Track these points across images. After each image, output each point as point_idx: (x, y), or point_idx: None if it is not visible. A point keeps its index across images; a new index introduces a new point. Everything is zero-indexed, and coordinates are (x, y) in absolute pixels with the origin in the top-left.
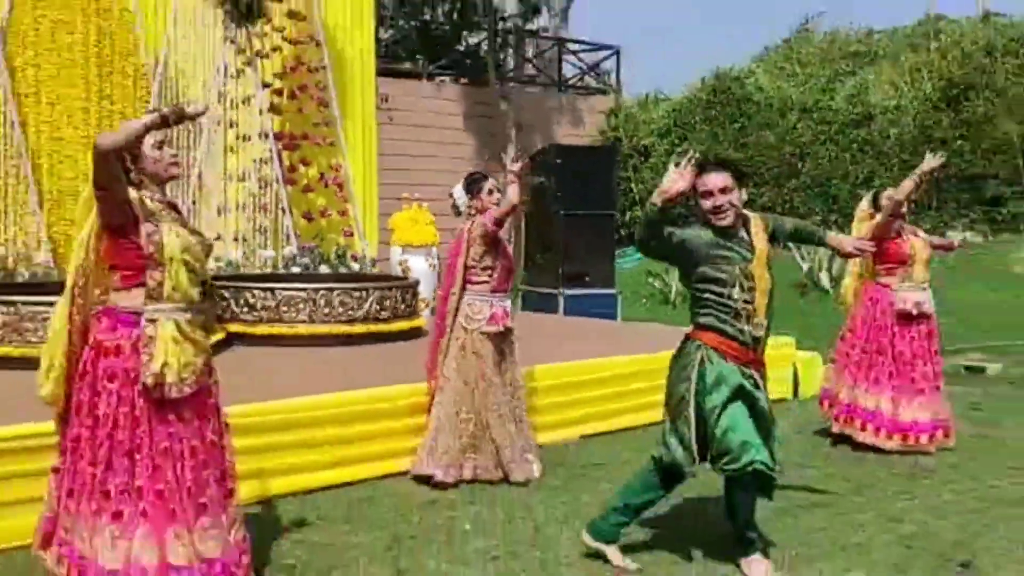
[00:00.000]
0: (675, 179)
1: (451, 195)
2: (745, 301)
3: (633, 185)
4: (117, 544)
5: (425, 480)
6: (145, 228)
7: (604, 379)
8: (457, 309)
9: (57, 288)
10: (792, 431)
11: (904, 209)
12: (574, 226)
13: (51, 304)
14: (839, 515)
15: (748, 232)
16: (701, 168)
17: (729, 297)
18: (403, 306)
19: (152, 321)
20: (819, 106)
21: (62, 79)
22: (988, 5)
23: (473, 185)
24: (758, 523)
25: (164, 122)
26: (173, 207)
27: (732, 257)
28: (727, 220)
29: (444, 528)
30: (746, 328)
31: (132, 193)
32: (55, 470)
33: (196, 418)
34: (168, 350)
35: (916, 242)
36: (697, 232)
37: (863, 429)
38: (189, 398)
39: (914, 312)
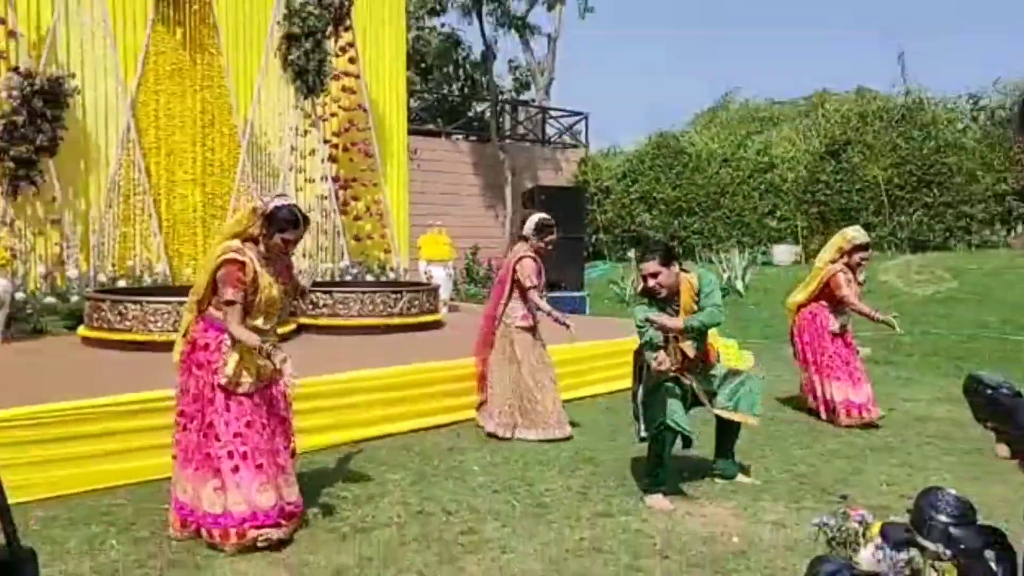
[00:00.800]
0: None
1: (523, 221)
2: (675, 337)
3: (597, 215)
4: (217, 495)
5: (490, 435)
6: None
7: (578, 358)
8: (503, 313)
9: (171, 291)
10: None
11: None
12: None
13: (167, 302)
14: (752, 460)
15: (679, 296)
16: (641, 255)
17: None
18: (427, 305)
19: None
20: (735, 157)
21: (175, 136)
22: (860, 82)
23: (544, 229)
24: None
25: (261, 352)
26: (273, 258)
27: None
28: (661, 295)
29: (457, 469)
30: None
31: (248, 254)
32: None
33: (265, 402)
34: (238, 358)
35: (851, 297)
36: (645, 310)
37: (833, 412)
38: (254, 393)
39: (839, 331)
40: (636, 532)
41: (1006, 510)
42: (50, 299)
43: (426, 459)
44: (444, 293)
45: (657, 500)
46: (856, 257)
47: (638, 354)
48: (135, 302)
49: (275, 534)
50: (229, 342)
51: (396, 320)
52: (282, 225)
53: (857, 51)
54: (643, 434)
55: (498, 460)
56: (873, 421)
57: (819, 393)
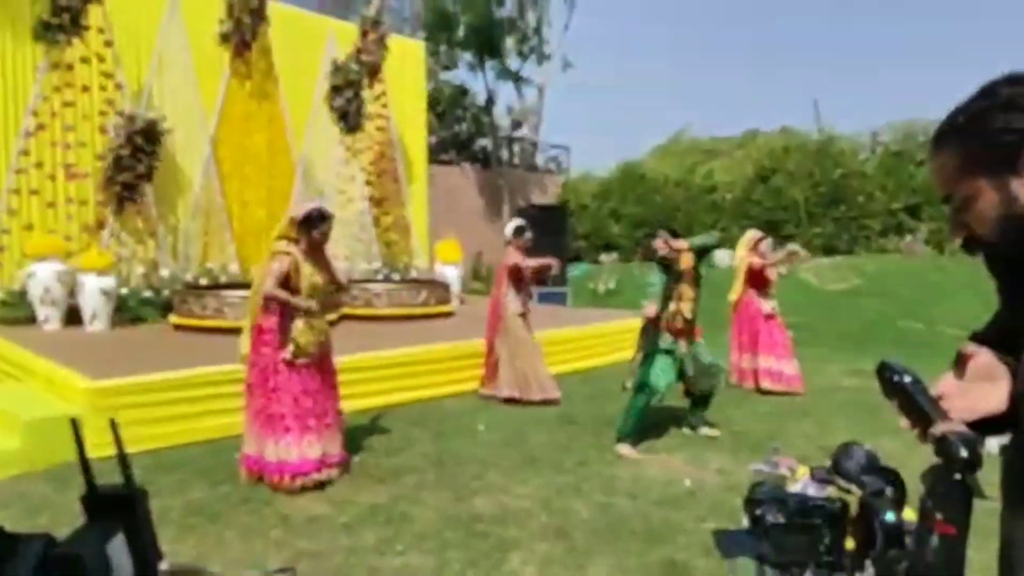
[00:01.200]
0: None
1: (507, 229)
2: (679, 298)
3: (577, 227)
4: (276, 448)
5: (500, 400)
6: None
7: (563, 339)
8: (503, 304)
9: (242, 287)
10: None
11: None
12: (541, 250)
13: (238, 296)
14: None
15: (679, 261)
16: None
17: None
18: (441, 297)
19: (291, 317)
20: (685, 181)
21: (245, 166)
22: (784, 122)
23: (519, 229)
24: (647, 428)
25: (298, 309)
26: (316, 252)
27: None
28: (667, 258)
29: (467, 428)
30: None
31: (294, 252)
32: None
33: (319, 371)
34: (298, 335)
35: (772, 272)
36: (657, 276)
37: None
38: (315, 360)
39: (771, 313)
40: (608, 477)
41: (898, 459)
42: (147, 294)
43: (442, 420)
44: (455, 289)
45: (625, 448)
46: (760, 247)
47: (644, 329)
48: (213, 296)
49: (320, 477)
50: (287, 323)
51: (417, 310)
52: (315, 223)
53: (782, 97)
54: (627, 385)
55: (499, 421)
56: (797, 391)
57: (752, 366)
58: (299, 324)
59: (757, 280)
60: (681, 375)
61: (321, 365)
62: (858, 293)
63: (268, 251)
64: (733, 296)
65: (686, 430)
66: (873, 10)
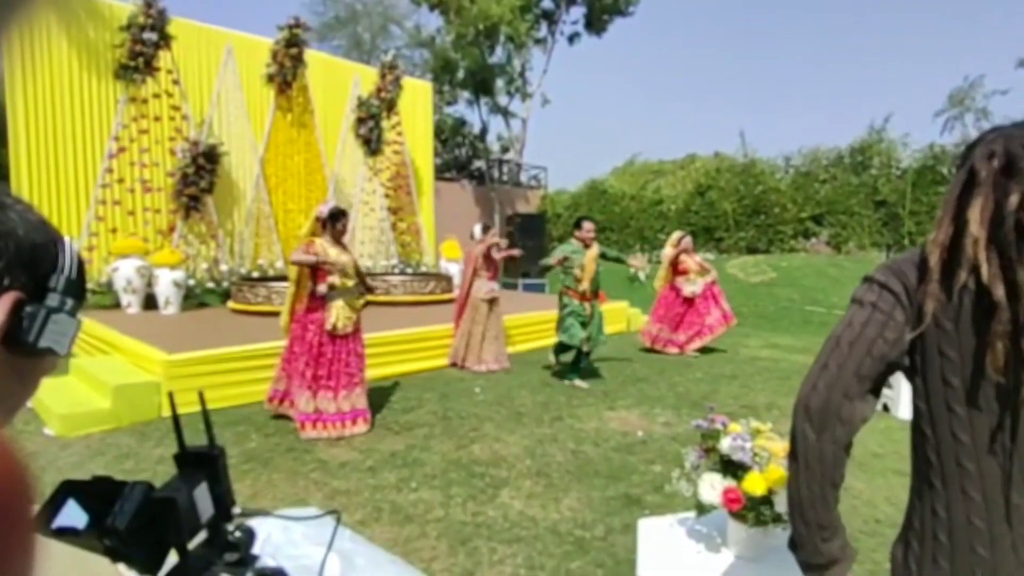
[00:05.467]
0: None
1: (473, 230)
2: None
3: (553, 231)
4: (311, 401)
5: (458, 367)
6: (328, 258)
7: (524, 323)
8: (471, 287)
9: (286, 279)
10: (627, 345)
11: (682, 249)
12: (525, 248)
13: (284, 286)
14: (645, 382)
15: (592, 246)
16: (583, 219)
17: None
18: (445, 287)
19: (332, 299)
20: (639, 196)
21: (287, 182)
22: (717, 147)
23: (486, 229)
24: (603, 380)
25: (308, 266)
26: (339, 241)
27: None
28: (588, 242)
29: (466, 391)
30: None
31: (319, 241)
32: (284, 365)
33: (351, 342)
34: (338, 313)
35: (690, 262)
36: (573, 248)
37: (667, 346)
38: (348, 334)
39: (690, 296)
40: (578, 429)
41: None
42: (210, 284)
43: (446, 385)
44: (457, 280)
45: (577, 381)
46: (682, 244)
47: (560, 295)
48: (263, 286)
49: (356, 429)
50: (330, 303)
51: (426, 297)
52: (337, 217)
53: (715, 128)
54: (560, 338)
55: (491, 385)
56: (688, 354)
57: (667, 337)
58: (339, 303)
59: (679, 272)
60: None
61: (354, 337)
62: (773, 284)
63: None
64: (659, 284)
65: (631, 396)
66: (787, 54)
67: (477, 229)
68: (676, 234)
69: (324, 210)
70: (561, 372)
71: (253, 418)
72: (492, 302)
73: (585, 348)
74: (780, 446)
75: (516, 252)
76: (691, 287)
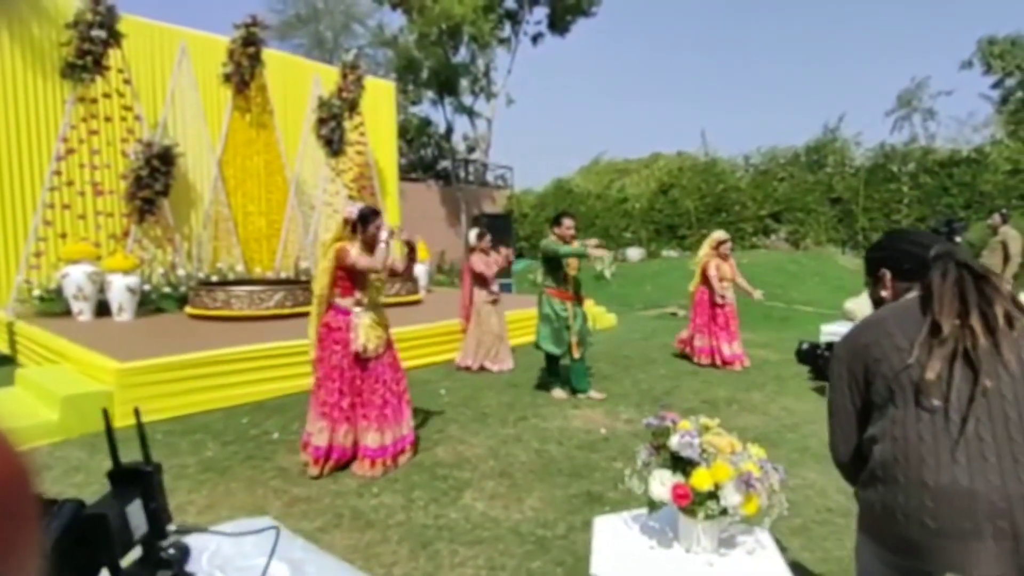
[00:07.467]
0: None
1: (468, 236)
2: (570, 264)
3: (519, 231)
4: (348, 435)
5: (464, 368)
6: (358, 268)
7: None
8: (473, 290)
9: (245, 283)
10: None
11: (727, 250)
12: (493, 248)
13: (243, 290)
14: (609, 379)
15: (573, 242)
16: (563, 215)
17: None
18: (412, 289)
19: (358, 315)
20: (604, 195)
21: (247, 183)
22: (679, 147)
23: (481, 236)
24: (566, 379)
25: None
26: (371, 248)
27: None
28: (568, 238)
29: (431, 392)
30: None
31: (353, 250)
32: (318, 406)
33: (384, 367)
34: (365, 332)
35: (725, 267)
36: (558, 245)
37: (700, 355)
38: (380, 356)
39: (721, 302)
40: (542, 429)
41: (761, 408)
42: (166, 289)
43: (413, 386)
44: (423, 282)
45: (556, 392)
46: (722, 248)
47: (539, 300)
48: (222, 290)
49: (400, 461)
50: (355, 320)
51: (392, 299)
52: (370, 218)
53: (677, 127)
54: (538, 344)
55: (457, 387)
56: (746, 367)
57: (705, 346)
58: (365, 321)
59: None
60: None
61: (386, 362)
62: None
63: (326, 256)
64: (692, 287)
65: (594, 396)
66: (746, 55)
67: (472, 234)
68: (716, 234)
69: (353, 211)
70: (547, 383)
71: (211, 426)
72: (494, 303)
73: (577, 355)
74: (726, 441)
75: (506, 261)
76: (721, 294)
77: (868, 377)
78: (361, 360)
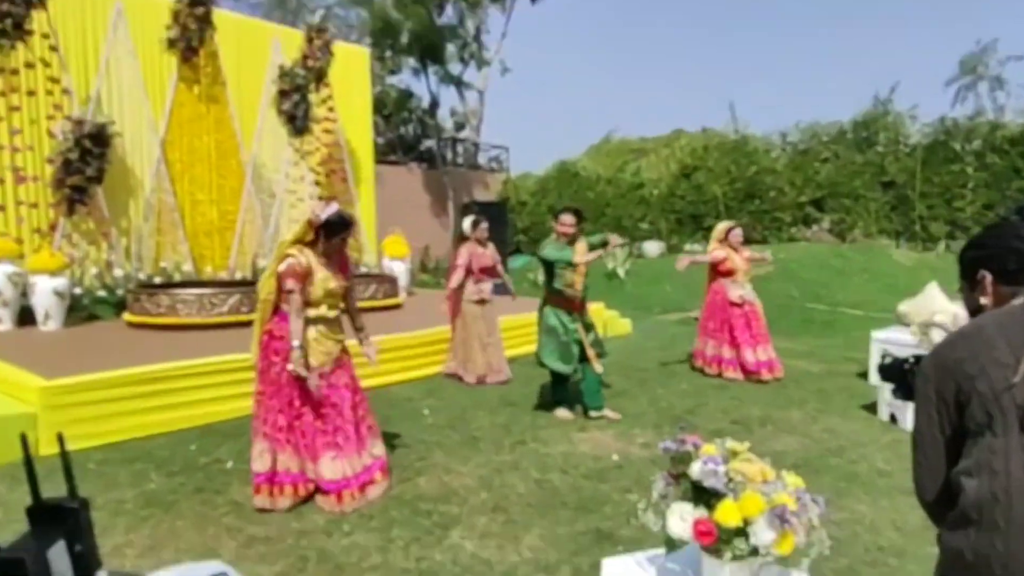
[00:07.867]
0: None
1: (463, 224)
2: (574, 269)
3: (517, 222)
4: (293, 459)
5: (453, 377)
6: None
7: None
8: (462, 289)
9: (194, 285)
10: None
11: (738, 240)
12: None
13: (191, 294)
14: (623, 396)
15: (577, 242)
16: (563, 210)
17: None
18: (389, 291)
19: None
20: (616, 178)
21: (195, 167)
22: (705, 123)
23: (476, 224)
24: (574, 397)
25: (293, 359)
26: (331, 256)
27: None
28: (570, 237)
29: (412, 413)
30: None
31: (306, 254)
32: (259, 425)
33: (336, 389)
34: (312, 347)
35: (738, 259)
36: (556, 246)
37: (721, 366)
38: (333, 370)
39: (739, 301)
40: (544, 455)
41: (801, 429)
42: (101, 293)
43: (389, 406)
44: (403, 282)
45: (560, 412)
46: (731, 238)
47: (540, 309)
48: (166, 294)
49: (369, 495)
50: (295, 342)
51: (367, 303)
52: (336, 229)
53: (703, 100)
54: (541, 360)
55: (442, 405)
56: (778, 377)
57: (715, 355)
58: (311, 332)
59: (726, 272)
60: (582, 354)
61: (340, 378)
62: (770, 279)
63: (277, 257)
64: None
65: (608, 416)
66: (783, 19)
67: (467, 222)
68: (722, 225)
69: (321, 214)
70: (549, 401)
71: (154, 453)
72: (481, 303)
73: (599, 368)
74: (757, 468)
75: (492, 261)
76: (738, 290)
77: (961, 398)
78: (298, 378)
